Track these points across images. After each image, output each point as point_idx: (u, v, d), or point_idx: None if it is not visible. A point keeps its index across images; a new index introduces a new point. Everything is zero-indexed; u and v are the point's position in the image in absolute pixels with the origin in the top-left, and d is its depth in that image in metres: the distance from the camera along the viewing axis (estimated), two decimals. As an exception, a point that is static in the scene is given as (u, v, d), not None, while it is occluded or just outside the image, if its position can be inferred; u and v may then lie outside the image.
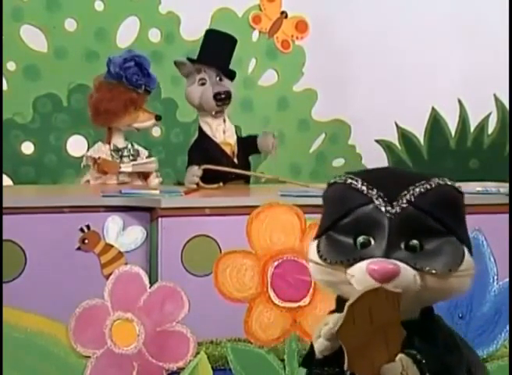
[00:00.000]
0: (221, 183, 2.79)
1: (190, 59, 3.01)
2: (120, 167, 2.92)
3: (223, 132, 3.01)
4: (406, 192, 1.20)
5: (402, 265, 1.15)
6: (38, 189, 3.13)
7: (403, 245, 1.17)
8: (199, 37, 3.75)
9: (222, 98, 2.95)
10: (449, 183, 1.21)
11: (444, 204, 1.20)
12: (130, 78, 2.86)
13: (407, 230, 1.17)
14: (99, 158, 2.95)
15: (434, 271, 1.16)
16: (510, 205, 2.21)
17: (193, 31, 3.72)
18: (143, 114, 2.97)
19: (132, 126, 2.98)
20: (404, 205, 1.19)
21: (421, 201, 1.18)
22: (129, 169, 2.93)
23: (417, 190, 1.20)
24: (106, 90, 2.90)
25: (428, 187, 1.21)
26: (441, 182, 1.24)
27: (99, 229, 2.33)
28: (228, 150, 3.01)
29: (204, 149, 3.00)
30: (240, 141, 3.06)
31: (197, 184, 2.78)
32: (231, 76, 3.04)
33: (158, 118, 2.99)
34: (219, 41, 3.00)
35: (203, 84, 2.99)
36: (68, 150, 3.65)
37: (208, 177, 2.83)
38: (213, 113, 2.99)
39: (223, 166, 2.85)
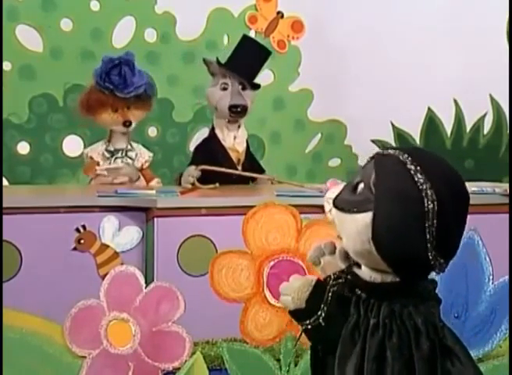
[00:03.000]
0: (217, 184, 2.79)
1: (218, 61, 3.01)
2: (96, 170, 2.92)
3: (234, 138, 3.01)
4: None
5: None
6: (34, 189, 3.12)
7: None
8: (195, 37, 3.77)
9: (237, 111, 2.95)
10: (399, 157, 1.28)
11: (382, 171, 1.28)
12: (99, 78, 2.86)
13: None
14: (91, 157, 2.96)
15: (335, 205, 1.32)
16: (510, 204, 2.21)
17: (189, 31, 3.73)
18: (116, 118, 2.94)
19: (111, 127, 2.96)
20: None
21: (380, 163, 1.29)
22: (104, 173, 2.93)
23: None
24: (87, 91, 2.94)
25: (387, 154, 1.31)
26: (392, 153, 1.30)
27: (95, 229, 2.32)
28: (234, 156, 3.01)
29: (210, 150, 3.01)
30: (249, 158, 3.05)
31: (193, 184, 2.78)
32: (255, 86, 3.03)
33: (127, 124, 2.95)
34: (252, 50, 2.99)
35: (224, 89, 2.98)
36: (64, 150, 3.65)
37: (207, 179, 2.84)
38: (226, 121, 2.99)
39: (225, 171, 2.85)
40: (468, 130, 4.16)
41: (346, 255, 1.33)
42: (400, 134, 4.09)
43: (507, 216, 2.27)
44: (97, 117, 2.93)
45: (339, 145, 4.00)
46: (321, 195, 2.41)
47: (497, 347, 2.10)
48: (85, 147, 3.51)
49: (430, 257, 1.24)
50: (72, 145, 3.63)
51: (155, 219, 2.33)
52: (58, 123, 3.63)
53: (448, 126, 4.13)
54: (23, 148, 3.61)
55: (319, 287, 1.35)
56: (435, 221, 1.22)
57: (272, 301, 2.21)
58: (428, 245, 1.23)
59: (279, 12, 3.85)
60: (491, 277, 2.08)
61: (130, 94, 2.88)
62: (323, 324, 1.32)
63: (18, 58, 3.54)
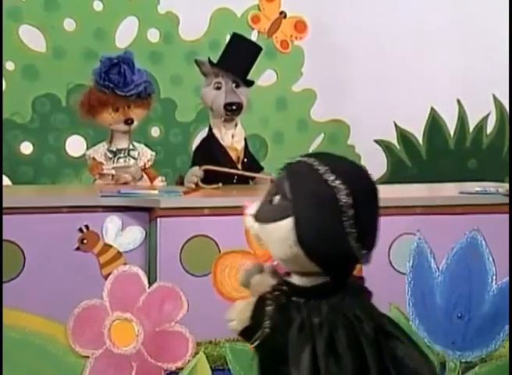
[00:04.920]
0: (220, 184, 2.79)
1: (210, 61, 3.00)
2: (103, 169, 2.92)
3: (232, 136, 3.00)
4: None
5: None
6: (37, 189, 3.13)
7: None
8: (198, 37, 3.77)
9: (233, 109, 2.95)
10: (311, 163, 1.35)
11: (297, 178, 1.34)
12: (98, 78, 2.86)
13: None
14: (93, 158, 2.95)
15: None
16: (510, 205, 2.22)
17: (192, 31, 3.73)
18: (116, 116, 2.93)
19: (113, 126, 2.96)
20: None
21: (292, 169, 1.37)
22: (112, 172, 2.92)
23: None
24: (86, 92, 2.94)
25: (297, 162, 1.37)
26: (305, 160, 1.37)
27: (98, 229, 2.33)
28: (233, 155, 3.01)
29: (209, 150, 3.00)
30: (248, 156, 3.05)
31: (196, 184, 2.78)
32: (249, 83, 3.03)
33: (129, 122, 2.94)
34: (242, 48, 2.98)
35: (218, 88, 2.98)
36: (67, 150, 3.65)
37: (210, 179, 2.84)
38: (222, 120, 2.99)
39: (227, 171, 2.85)
40: (471, 129, 4.16)
41: (274, 271, 1.37)
42: (403, 134, 4.08)
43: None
44: (98, 117, 2.92)
45: (342, 145, 3.99)
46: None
47: (500, 347, 2.09)
48: (88, 147, 3.51)
49: (354, 249, 1.31)
50: (75, 145, 3.63)
51: (158, 219, 2.33)
52: (61, 123, 3.63)
53: (451, 126, 4.13)
54: (26, 147, 3.61)
55: (260, 304, 1.41)
56: (351, 214, 1.30)
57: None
58: (350, 238, 1.30)
59: (281, 12, 3.85)
60: (494, 277, 2.08)
61: (131, 92, 2.88)
62: (269, 335, 1.37)
63: (21, 58, 3.54)
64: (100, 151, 2.97)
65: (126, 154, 2.97)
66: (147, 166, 3.03)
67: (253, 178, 3.00)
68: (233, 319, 1.46)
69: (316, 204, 1.29)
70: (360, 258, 1.34)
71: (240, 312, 1.44)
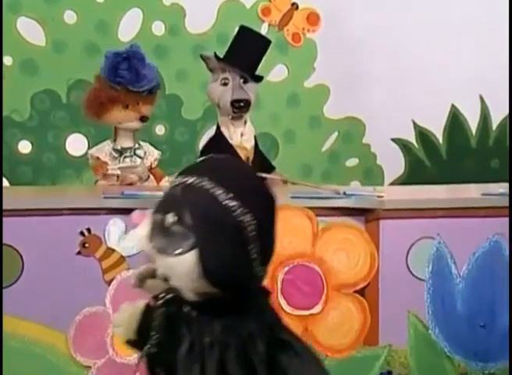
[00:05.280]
0: None
1: (216, 55, 3.01)
2: (108, 169, 2.92)
3: (241, 135, 3.01)
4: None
5: None
6: (36, 190, 3.14)
7: None
8: (205, 30, 3.78)
9: (240, 106, 2.96)
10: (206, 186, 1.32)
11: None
12: (108, 74, 2.87)
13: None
14: (97, 157, 2.95)
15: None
16: (510, 206, 2.21)
17: (199, 24, 3.74)
18: (128, 113, 2.93)
19: (119, 126, 2.96)
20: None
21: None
22: (117, 172, 2.93)
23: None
24: (92, 89, 2.94)
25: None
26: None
27: (100, 232, 2.33)
28: (242, 154, 3.01)
29: (217, 150, 3.01)
30: (258, 155, 3.06)
31: None
32: (257, 78, 3.04)
33: (144, 120, 2.96)
34: (249, 41, 2.97)
35: (225, 84, 2.99)
36: (67, 149, 3.66)
37: None
38: (230, 117, 3.00)
39: None
40: (494, 127, 4.15)
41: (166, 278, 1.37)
42: (421, 133, 4.08)
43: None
44: (107, 116, 2.92)
45: (357, 144, 3.99)
46: (339, 197, 2.42)
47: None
48: (89, 146, 3.52)
49: (258, 272, 1.32)
50: (76, 144, 3.64)
51: (164, 221, 2.33)
52: (62, 121, 3.64)
53: (473, 123, 4.12)
54: (25, 147, 3.63)
55: (148, 313, 1.41)
56: (256, 239, 1.30)
57: (287, 308, 2.21)
58: (255, 263, 1.31)
59: (293, 4, 3.85)
60: (519, 284, 2.08)
61: (144, 87, 2.88)
62: (156, 352, 1.37)
63: (19, 53, 3.55)
64: (104, 150, 2.97)
65: (132, 153, 2.98)
66: (153, 166, 3.04)
67: (264, 179, 3.01)
68: (119, 325, 1.44)
69: (221, 235, 1.29)
70: (263, 278, 1.35)
71: (127, 320, 1.43)
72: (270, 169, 3.08)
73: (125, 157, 2.97)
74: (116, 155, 2.95)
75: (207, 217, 1.29)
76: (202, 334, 1.32)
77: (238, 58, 2.97)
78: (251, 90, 3.00)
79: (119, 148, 2.97)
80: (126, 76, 2.85)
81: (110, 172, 2.92)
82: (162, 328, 1.36)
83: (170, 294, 1.37)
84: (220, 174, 1.33)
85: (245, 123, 3.04)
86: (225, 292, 1.31)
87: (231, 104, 2.95)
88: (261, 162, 3.07)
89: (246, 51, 2.98)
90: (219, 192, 1.29)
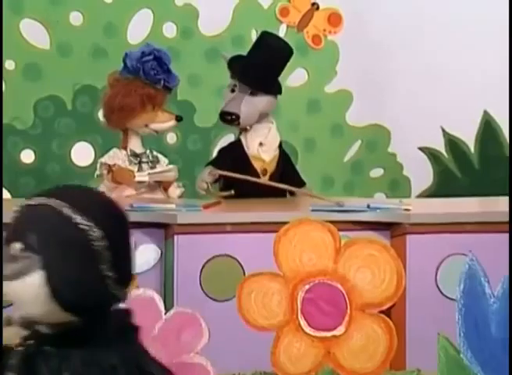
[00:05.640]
0: (232, 191, 2.82)
1: (230, 59, 3.02)
2: (135, 176, 2.92)
3: (259, 144, 3.01)
4: None
5: None
6: (39, 203, 3.15)
7: None
8: (220, 32, 3.79)
9: (227, 120, 2.97)
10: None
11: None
12: (148, 72, 2.89)
13: None
14: (114, 165, 2.94)
15: None
16: (510, 211, 2.21)
17: (213, 25, 3.75)
18: (162, 114, 2.98)
19: (149, 127, 2.98)
20: None
21: None
22: (145, 179, 2.93)
23: None
24: (121, 85, 2.93)
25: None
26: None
27: (108, 248, 2.34)
28: (258, 166, 3.01)
29: (231, 156, 3.03)
30: (282, 168, 3.05)
31: (208, 190, 2.81)
32: (272, 90, 3.02)
33: (178, 119, 3.00)
34: (262, 52, 2.98)
35: (232, 91, 3.02)
36: (73, 159, 3.67)
37: (230, 187, 2.87)
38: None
39: (247, 183, 2.86)
40: (530, 136, 4.13)
41: (24, 321, 1.38)
42: (451, 141, 4.07)
43: None
44: (138, 118, 2.94)
45: (382, 153, 3.99)
46: (363, 210, 2.42)
47: None
48: (96, 155, 3.53)
49: (114, 291, 1.34)
50: (83, 153, 3.65)
51: (175, 236, 2.34)
52: (67, 129, 3.66)
53: (507, 131, 4.10)
54: (27, 156, 3.64)
55: (5, 356, 1.40)
56: (108, 257, 1.32)
57: (307, 329, 2.21)
58: (109, 281, 1.33)
59: (313, 4, 3.86)
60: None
61: (175, 86, 2.94)
62: None
63: (22, 57, 3.58)
64: (120, 157, 2.96)
65: (147, 158, 2.98)
66: None
67: (292, 192, 3.01)
68: None
69: (68, 253, 1.31)
70: (121, 299, 1.36)
71: None
72: (300, 184, 3.06)
73: (141, 162, 2.97)
74: (135, 161, 2.96)
75: (52, 235, 1.31)
76: (61, 370, 1.33)
77: (243, 69, 2.98)
78: (256, 103, 3.00)
79: (133, 153, 2.97)
80: (162, 74, 2.89)
81: (139, 179, 2.91)
82: (20, 369, 1.37)
83: (30, 339, 1.37)
84: (64, 192, 1.36)
85: (269, 131, 3.04)
86: (80, 317, 1.32)
87: (220, 115, 2.97)
88: (287, 176, 3.05)
89: (257, 62, 2.97)
90: (64, 208, 1.32)
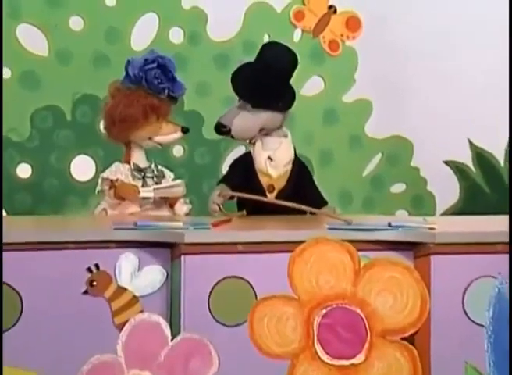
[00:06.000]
0: (244, 212, 2.84)
1: (235, 70, 3.05)
2: (139, 192, 2.93)
3: (268, 158, 3.02)
4: None
5: None
6: (36, 221, 3.16)
7: None
8: (230, 37, 3.81)
9: (220, 131, 3.02)
10: None
11: None
12: (151, 81, 2.90)
13: None
14: (117, 180, 2.96)
15: None
16: (510, 218, 2.20)
17: (222, 30, 3.77)
18: (166, 125, 3.00)
19: (153, 140, 3.00)
20: None
21: None
22: (151, 195, 2.94)
23: None
24: (123, 95, 2.94)
25: None
26: None
27: (110, 269, 2.35)
28: (264, 182, 3.01)
29: (241, 170, 3.04)
30: (296, 185, 3.06)
31: (220, 211, 2.87)
32: (275, 105, 3.01)
33: (184, 130, 3.02)
34: (265, 63, 2.97)
35: (239, 100, 3.05)
36: (72, 173, 3.69)
37: (243, 205, 2.90)
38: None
39: (251, 199, 2.88)
40: None
41: None
42: (480, 154, 4.06)
43: None
44: (141, 129, 2.95)
45: (404, 167, 3.99)
46: (384, 229, 2.41)
47: None
48: (98, 170, 3.55)
49: None
50: (83, 168, 3.67)
51: (182, 256, 2.34)
52: (66, 141, 3.67)
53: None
54: (24, 170, 3.65)
55: None
56: None
57: (324, 357, 2.21)
58: None
59: (331, 7, 3.87)
60: None
61: (180, 96, 2.96)
62: None
63: (19, 64, 3.60)
64: (123, 172, 2.97)
65: (152, 173, 2.99)
66: None
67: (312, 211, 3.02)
68: None
69: None
70: None
71: None
72: (320, 203, 3.06)
73: (145, 177, 2.99)
74: (138, 175, 2.97)
75: None
76: None
77: (242, 84, 3.00)
78: (254, 117, 3.00)
79: (137, 168, 2.98)
80: (166, 83, 2.91)
81: (144, 195, 2.92)
82: None
83: None
84: None
85: (281, 145, 3.04)
86: None
87: (215, 126, 3.01)
88: (308, 194, 3.05)
89: (257, 77, 2.98)
90: None
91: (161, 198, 3.00)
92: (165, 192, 2.97)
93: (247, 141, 3.10)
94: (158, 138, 3.00)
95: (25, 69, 3.61)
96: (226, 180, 3.07)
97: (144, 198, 2.94)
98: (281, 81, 3.00)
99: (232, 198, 3.01)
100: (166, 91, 2.95)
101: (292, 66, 3.01)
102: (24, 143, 3.63)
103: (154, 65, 2.93)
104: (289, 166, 3.06)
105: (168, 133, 3.01)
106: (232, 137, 3.05)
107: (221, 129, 3.03)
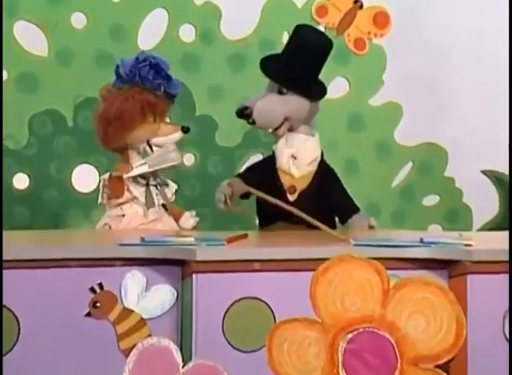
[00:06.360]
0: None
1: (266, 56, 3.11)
2: (132, 169, 2.94)
3: (291, 156, 3.03)
4: None
5: None
6: (34, 236, 3.17)
7: None
8: (245, 35, 3.82)
9: (243, 115, 3.03)
10: None
11: None
12: (145, 76, 2.93)
13: None
14: (114, 176, 2.97)
15: None
16: (510, 224, 2.18)
17: (237, 28, 3.78)
18: (165, 126, 3.01)
19: (151, 142, 3.00)
20: None
21: None
22: (145, 168, 2.94)
23: None
24: (116, 95, 2.98)
25: None
26: None
27: (115, 289, 2.35)
28: (285, 181, 3.03)
29: (262, 168, 3.06)
30: (320, 188, 3.06)
31: (225, 202, 2.88)
32: (305, 90, 3.05)
33: (185, 130, 3.03)
34: (297, 44, 3.03)
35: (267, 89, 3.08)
36: (73, 184, 3.70)
37: (262, 214, 2.90)
38: (270, 131, 3.07)
39: (270, 201, 2.89)
40: None
41: None
42: (520, 163, 4.05)
43: None
44: (138, 130, 2.96)
45: (438, 177, 3.98)
46: (415, 245, 2.41)
47: None
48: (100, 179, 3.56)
49: None
50: (85, 177, 3.68)
51: (194, 275, 2.34)
52: (67, 149, 3.68)
53: None
54: (21, 181, 3.67)
55: None
56: None
57: (350, 386, 2.20)
58: None
59: (356, 1, 3.88)
60: None
61: (177, 94, 2.97)
62: None
63: (16, 65, 3.62)
64: (126, 172, 2.98)
65: (156, 180, 3.00)
66: (171, 201, 3.07)
67: (343, 220, 3.03)
68: None
69: None
70: None
71: None
72: (352, 210, 3.06)
73: (149, 184, 2.99)
74: (143, 182, 2.98)
75: None
76: None
77: (272, 64, 3.03)
78: (280, 102, 3.03)
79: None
80: (161, 80, 2.92)
81: (136, 171, 2.93)
82: None
83: None
84: None
85: (305, 142, 3.05)
86: None
87: (236, 110, 3.04)
88: (336, 198, 3.05)
89: (287, 57, 3.01)
90: None
91: (163, 205, 3.01)
92: (160, 161, 2.98)
93: (270, 130, 3.09)
94: (157, 140, 3.01)
95: (23, 70, 3.63)
96: (243, 175, 3.08)
97: (147, 196, 2.95)
98: (316, 64, 3.03)
99: (246, 196, 3.01)
100: (162, 87, 2.96)
101: (329, 50, 3.04)
102: (21, 151, 3.65)
103: (147, 63, 2.95)
104: (314, 167, 3.07)
105: (167, 134, 3.02)
106: (254, 122, 3.04)
107: (242, 111, 3.02)
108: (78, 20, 3.67)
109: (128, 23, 3.69)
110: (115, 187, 2.95)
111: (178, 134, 3.03)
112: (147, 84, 2.96)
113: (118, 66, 3.01)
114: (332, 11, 3.85)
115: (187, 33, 3.77)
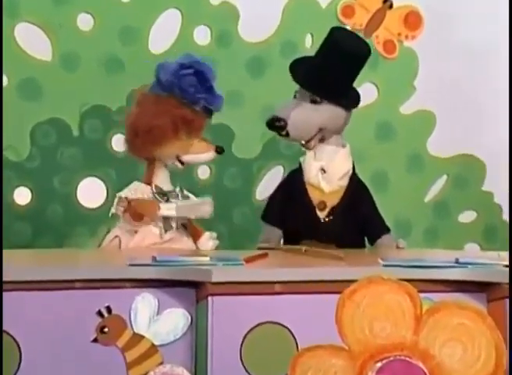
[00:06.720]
0: (303, 248, 2.85)
1: (295, 60, 3.12)
2: (160, 208, 2.93)
3: (320, 169, 3.03)
4: None
5: None
6: (37, 255, 3.18)
7: None
8: (265, 37, 3.82)
9: (274, 126, 3.02)
10: None
11: None
12: (185, 88, 2.91)
13: None
14: (130, 202, 2.94)
15: None
16: (510, 229, 2.17)
17: (257, 30, 3.78)
18: (198, 143, 3.01)
19: (181, 158, 3.00)
20: None
21: None
22: (173, 212, 2.93)
23: None
24: (151, 103, 2.96)
25: None
26: None
27: (124, 312, 2.36)
28: (315, 198, 3.03)
29: (291, 185, 3.07)
30: (358, 203, 3.07)
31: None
32: (340, 99, 3.06)
33: (219, 150, 3.02)
34: (332, 49, 3.04)
35: (295, 97, 3.09)
36: (79, 199, 3.70)
37: (288, 232, 2.93)
38: (301, 143, 3.08)
39: (298, 217, 2.90)
40: None
41: None
42: None
43: None
44: (166, 146, 2.97)
45: (475, 191, 3.97)
46: (450, 266, 2.41)
47: None
48: (109, 194, 3.57)
49: None
50: (92, 192, 3.68)
51: (210, 298, 2.35)
52: (72, 161, 3.69)
53: None
54: (23, 195, 3.67)
55: None
56: None
57: (380, 420, 2.20)
58: None
59: (386, 1, 3.88)
60: None
61: (218, 110, 3.00)
62: None
63: (17, 70, 3.63)
64: (144, 191, 2.97)
65: (176, 198, 2.99)
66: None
67: (372, 239, 3.04)
68: None
69: None
70: None
71: None
72: (382, 230, 3.06)
73: (169, 202, 2.98)
74: (161, 199, 2.97)
75: None
76: None
77: (304, 71, 3.03)
78: (314, 112, 3.05)
79: (160, 191, 2.99)
80: (202, 94, 2.93)
81: (164, 213, 2.93)
82: None
83: None
84: None
85: (335, 155, 3.06)
86: None
87: (267, 121, 3.04)
88: (367, 217, 3.05)
89: (322, 63, 3.02)
90: None
91: (182, 226, 3.01)
92: (190, 210, 2.98)
93: (302, 143, 3.10)
94: (187, 157, 3.01)
95: (24, 75, 3.64)
96: (267, 213, 3.10)
97: (165, 219, 2.94)
98: (353, 71, 3.03)
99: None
100: (202, 101, 2.96)
101: (367, 56, 3.05)
102: (23, 163, 3.65)
103: (191, 71, 2.93)
104: (345, 181, 3.08)
105: (199, 152, 3.01)
106: (287, 134, 3.04)
107: (275, 123, 3.03)
108: (84, 22, 3.68)
109: (138, 25, 3.70)
110: (135, 212, 2.94)
111: (210, 154, 3.03)
112: (187, 97, 2.96)
113: (158, 69, 2.99)
114: (359, 11, 3.85)
115: (202, 36, 3.77)
